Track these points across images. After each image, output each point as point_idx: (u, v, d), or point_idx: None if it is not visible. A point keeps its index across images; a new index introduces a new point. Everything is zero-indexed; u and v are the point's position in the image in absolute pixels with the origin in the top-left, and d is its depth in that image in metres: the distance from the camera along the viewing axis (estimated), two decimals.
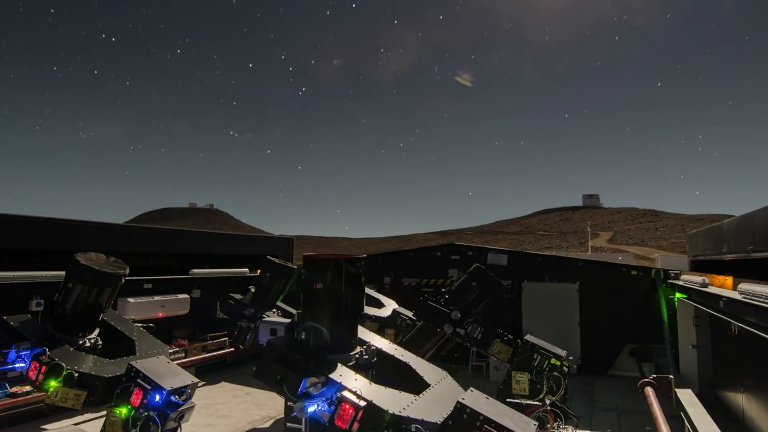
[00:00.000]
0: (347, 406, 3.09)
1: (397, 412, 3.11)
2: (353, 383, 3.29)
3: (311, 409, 3.20)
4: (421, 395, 3.46)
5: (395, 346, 4.27)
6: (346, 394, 3.15)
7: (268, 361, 3.53)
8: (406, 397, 3.35)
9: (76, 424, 7.02)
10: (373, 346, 3.99)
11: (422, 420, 3.06)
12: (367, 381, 3.40)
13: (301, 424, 3.62)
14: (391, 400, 3.25)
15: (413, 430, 3.03)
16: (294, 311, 6.83)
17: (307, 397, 3.21)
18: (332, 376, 3.31)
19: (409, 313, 8.14)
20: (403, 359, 4.03)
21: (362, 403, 3.10)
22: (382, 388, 3.37)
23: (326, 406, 3.19)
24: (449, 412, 3.07)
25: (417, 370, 3.88)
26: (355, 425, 3.06)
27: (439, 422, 3.06)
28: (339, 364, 3.47)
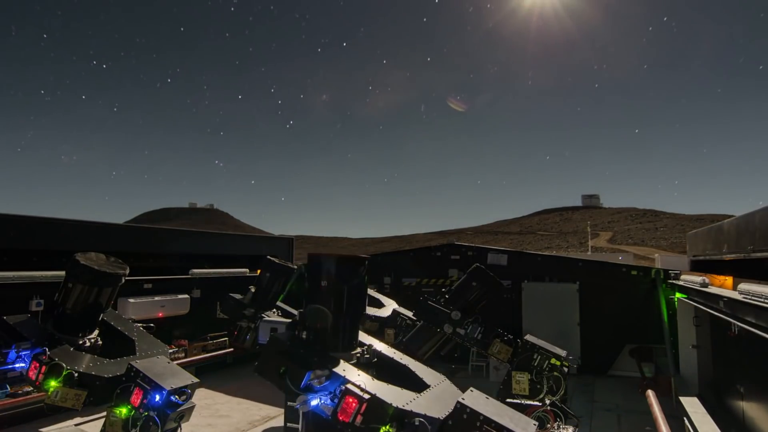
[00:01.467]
0: (351, 399, 3.09)
1: (400, 406, 3.11)
2: (356, 378, 3.29)
3: (314, 402, 3.19)
4: (421, 394, 3.47)
5: (393, 349, 4.28)
6: (350, 387, 3.15)
7: (270, 354, 3.53)
8: (408, 394, 3.36)
9: (76, 425, 7.02)
10: (373, 347, 4.00)
11: (425, 415, 3.06)
12: (369, 377, 3.41)
13: (302, 422, 3.61)
14: (394, 395, 3.26)
15: (417, 423, 3.02)
16: (294, 311, 6.83)
17: (310, 390, 3.21)
18: (336, 370, 3.31)
19: (409, 313, 8.14)
20: (402, 362, 4.04)
21: (366, 396, 3.10)
22: (384, 384, 3.38)
23: (329, 401, 3.19)
24: (450, 411, 3.08)
25: (416, 372, 3.89)
26: (359, 418, 3.06)
27: (441, 418, 3.06)
28: (341, 361, 3.47)
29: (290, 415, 6.12)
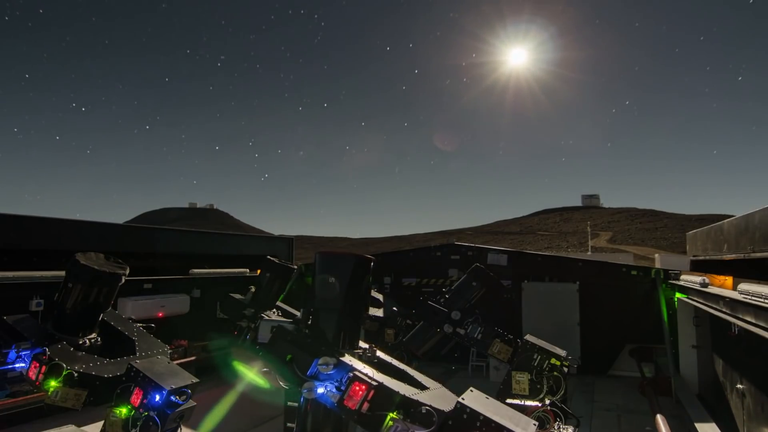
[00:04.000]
0: (358, 387, 3.08)
1: (408, 395, 3.12)
2: (363, 368, 3.30)
3: (320, 390, 3.19)
4: (422, 392, 3.48)
5: (390, 357, 4.31)
6: (357, 374, 3.15)
7: (277, 342, 3.53)
8: (412, 389, 3.37)
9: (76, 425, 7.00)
10: (373, 348, 4.01)
11: (431, 405, 3.06)
12: (374, 370, 3.41)
13: (298, 419, 3.60)
14: (399, 386, 3.27)
15: (424, 411, 3.02)
16: (295, 311, 6.83)
17: (316, 379, 3.20)
18: (343, 360, 3.31)
19: (409, 314, 8.14)
20: (400, 367, 4.06)
21: (374, 383, 3.10)
22: (389, 377, 3.38)
23: (334, 389, 3.18)
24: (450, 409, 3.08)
25: (414, 376, 3.91)
26: (365, 405, 3.05)
27: (446, 410, 3.06)
28: (346, 354, 3.48)
29: (290, 415, 6.12)
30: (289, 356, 3.34)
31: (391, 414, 3.03)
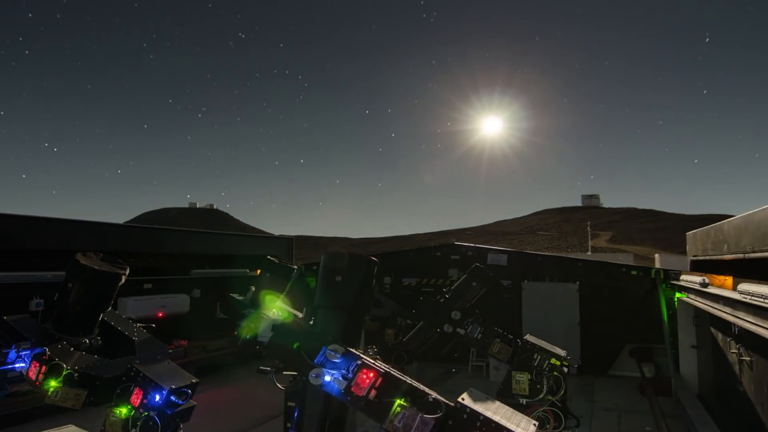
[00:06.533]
0: (365, 374, 3.08)
1: (415, 384, 3.12)
2: (369, 358, 3.31)
3: (327, 378, 3.20)
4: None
5: (388, 366, 4.34)
6: (366, 361, 3.16)
7: (284, 330, 3.53)
8: (416, 382, 3.38)
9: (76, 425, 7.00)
10: (375, 350, 4.03)
11: (437, 396, 3.07)
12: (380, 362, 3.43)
13: (296, 415, 3.60)
14: (405, 378, 3.28)
15: (431, 399, 3.02)
16: (294, 311, 6.82)
17: (323, 366, 3.21)
18: (351, 350, 3.32)
19: (409, 313, 8.14)
20: (399, 375, 4.09)
21: (382, 370, 3.10)
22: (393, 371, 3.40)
23: (340, 378, 3.19)
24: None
25: (412, 383, 3.93)
26: (373, 392, 3.05)
27: (451, 404, 3.06)
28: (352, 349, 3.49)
29: (290, 415, 6.12)
30: (296, 344, 3.35)
31: (399, 400, 3.03)
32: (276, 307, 5.74)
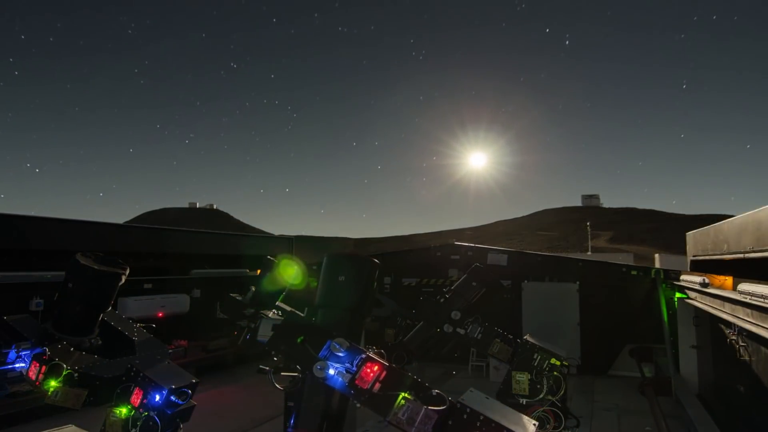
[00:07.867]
0: (370, 368, 3.08)
1: (418, 379, 3.13)
2: (373, 352, 3.32)
3: (331, 372, 3.20)
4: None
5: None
6: (370, 354, 3.16)
7: (288, 325, 3.53)
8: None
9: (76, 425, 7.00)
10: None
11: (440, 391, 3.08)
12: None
13: (295, 413, 3.59)
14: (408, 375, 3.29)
15: (434, 393, 3.02)
16: (295, 311, 6.82)
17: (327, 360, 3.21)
18: (354, 345, 3.32)
19: (409, 313, 8.13)
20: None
21: (386, 363, 3.11)
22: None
23: (344, 372, 3.19)
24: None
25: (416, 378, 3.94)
26: (377, 386, 3.06)
27: (455, 402, 3.07)
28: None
29: (290, 415, 6.12)
30: (300, 338, 3.35)
31: (403, 393, 3.04)
32: (276, 307, 5.72)
